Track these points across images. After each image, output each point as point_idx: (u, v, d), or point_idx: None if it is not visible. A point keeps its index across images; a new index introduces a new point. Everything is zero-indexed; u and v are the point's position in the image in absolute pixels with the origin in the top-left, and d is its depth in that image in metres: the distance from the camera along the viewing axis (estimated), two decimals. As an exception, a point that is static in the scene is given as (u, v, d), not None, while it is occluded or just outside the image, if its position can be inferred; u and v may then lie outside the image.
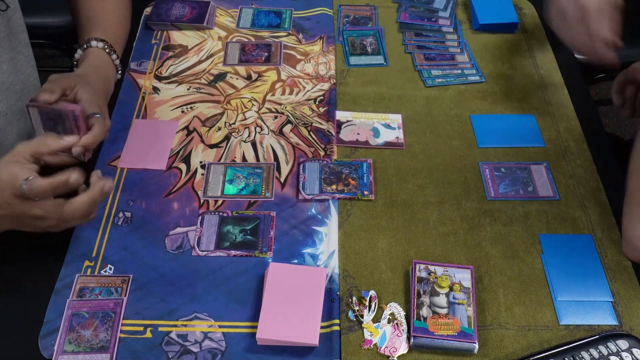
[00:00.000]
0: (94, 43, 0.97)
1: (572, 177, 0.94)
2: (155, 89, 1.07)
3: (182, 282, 0.81)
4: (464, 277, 0.79)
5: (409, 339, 0.75)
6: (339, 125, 1.02)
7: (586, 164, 0.96)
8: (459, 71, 1.12)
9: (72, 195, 0.78)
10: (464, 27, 1.21)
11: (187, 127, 1.01)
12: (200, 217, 0.88)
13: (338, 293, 0.80)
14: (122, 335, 0.76)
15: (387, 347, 0.75)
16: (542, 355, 0.72)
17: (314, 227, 0.88)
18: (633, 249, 0.81)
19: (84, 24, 1.02)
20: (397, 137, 1.00)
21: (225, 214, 0.88)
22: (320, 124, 1.02)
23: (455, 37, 1.18)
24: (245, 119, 1.03)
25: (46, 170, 0.78)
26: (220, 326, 0.77)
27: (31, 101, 0.84)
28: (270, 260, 0.83)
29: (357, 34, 1.19)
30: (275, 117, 1.03)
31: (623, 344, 0.72)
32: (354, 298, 0.80)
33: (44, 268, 0.83)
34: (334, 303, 0.79)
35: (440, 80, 1.10)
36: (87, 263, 0.83)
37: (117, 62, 0.99)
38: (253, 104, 1.05)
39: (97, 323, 0.76)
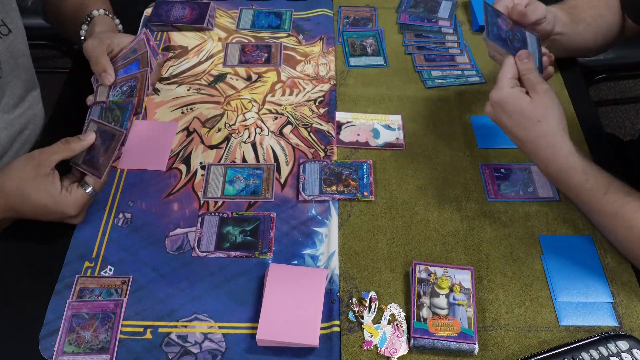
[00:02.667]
0: (95, 12, 1.02)
1: (572, 178, 0.94)
2: (155, 90, 1.07)
3: (182, 283, 0.81)
4: (464, 278, 0.79)
5: (409, 340, 0.75)
6: (339, 126, 1.02)
7: (586, 165, 0.96)
8: (459, 72, 1.12)
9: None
10: (464, 28, 1.21)
11: (187, 128, 1.01)
12: (200, 218, 0.88)
13: (338, 294, 0.80)
14: (122, 336, 0.76)
15: (387, 348, 0.75)
16: (542, 356, 0.72)
17: (314, 228, 0.88)
18: None
19: (76, 13, 1.04)
20: (397, 138, 1.00)
21: (225, 215, 0.88)
22: (320, 124, 1.02)
23: (455, 38, 1.18)
24: (245, 119, 1.03)
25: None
26: (220, 327, 0.77)
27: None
28: (270, 261, 0.83)
29: (357, 35, 1.19)
30: (275, 118, 1.03)
31: (623, 344, 0.72)
32: (354, 299, 0.80)
33: (44, 268, 0.83)
34: (334, 304, 0.79)
35: (440, 81, 1.10)
36: (87, 264, 0.83)
37: (120, 27, 1.04)
38: (253, 105, 1.05)
39: (97, 324, 0.76)
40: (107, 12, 1.03)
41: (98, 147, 0.84)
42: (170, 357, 0.74)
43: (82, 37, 1.02)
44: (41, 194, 0.79)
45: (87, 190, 0.82)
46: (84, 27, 1.01)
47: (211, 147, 0.98)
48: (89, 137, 0.84)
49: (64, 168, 0.84)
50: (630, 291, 0.81)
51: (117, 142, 0.82)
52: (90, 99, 0.93)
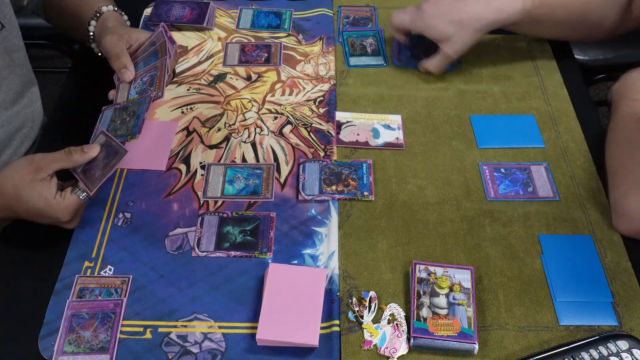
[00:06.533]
0: (104, 9, 1.03)
1: (571, 177, 0.94)
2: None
3: (181, 283, 0.81)
4: (463, 277, 0.79)
5: (408, 339, 0.75)
6: (339, 125, 1.02)
7: (586, 165, 0.96)
8: (459, 72, 1.11)
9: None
10: (464, 27, 1.20)
11: (187, 128, 1.01)
12: (200, 218, 0.88)
13: (338, 294, 0.80)
14: (122, 336, 0.76)
15: (387, 347, 0.75)
16: (542, 355, 0.72)
17: (314, 228, 0.88)
18: (630, 222, 0.81)
19: (80, 9, 1.04)
20: (397, 138, 1.00)
21: (225, 215, 0.88)
22: (320, 124, 1.02)
23: (455, 38, 1.17)
24: (245, 119, 1.03)
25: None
26: (220, 327, 0.77)
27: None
28: (270, 261, 0.83)
29: (357, 35, 1.19)
30: (275, 118, 1.03)
31: (623, 344, 0.72)
32: (354, 299, 0.80)
33: (44, 268, 0.83)
34: (334, 304, 0.79)
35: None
36: (87, 264, 0.83)
37: (128, 23, 1.05)
38: (253, 105, 1.05)
39: (97, 324, 0.76)
40: (115, 9, 1.04)
41: (99, 161, 0.83)
42: (170, 357, 0.74)
43: (91, 33, 1.02)
44: (35, 198, 0.79)
45: (81, 196, 0.81)
46: (93, 22, 1.02)
47: (211, 147, 0.98)
48: (92, 151, 0.83)
49: (67, 171, 0.84)
50: (630, 291, 0.81)
51: (117, 160, 0.81)
52: (112, 94, 0.95)
